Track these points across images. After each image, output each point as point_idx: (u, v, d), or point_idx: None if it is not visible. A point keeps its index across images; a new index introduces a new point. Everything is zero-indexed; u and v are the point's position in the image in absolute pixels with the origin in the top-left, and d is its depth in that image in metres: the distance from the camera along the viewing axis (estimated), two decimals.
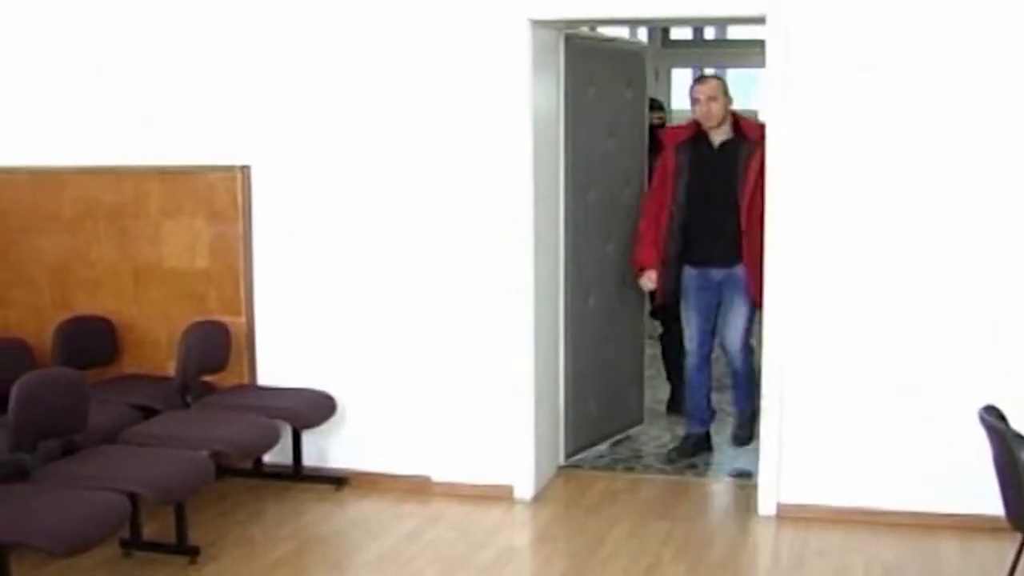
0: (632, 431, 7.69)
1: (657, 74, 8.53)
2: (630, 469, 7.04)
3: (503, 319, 6.43)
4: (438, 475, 6.68)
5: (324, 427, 6.74)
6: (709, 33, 12.49)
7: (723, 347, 7.30)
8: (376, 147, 6.61)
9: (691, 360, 7.35)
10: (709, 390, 7.46)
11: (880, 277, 6.07)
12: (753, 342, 7.21)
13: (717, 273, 7.12)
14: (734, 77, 12.68)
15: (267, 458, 6.80)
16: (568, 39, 6.82)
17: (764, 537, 6.15)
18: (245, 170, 6.81)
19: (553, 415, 6.95)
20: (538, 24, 6.40)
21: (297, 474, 6.80)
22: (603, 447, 7.39)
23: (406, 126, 6.53)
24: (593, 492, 6.65)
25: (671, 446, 7.48)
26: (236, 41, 6.76)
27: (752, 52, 7.51)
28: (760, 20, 6.13)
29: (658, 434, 7.71)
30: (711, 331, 7.31)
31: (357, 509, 6.47)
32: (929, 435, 6.09)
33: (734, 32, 12.09)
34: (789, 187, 6.10)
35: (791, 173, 6.09)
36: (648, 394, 8.00)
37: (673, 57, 12.00)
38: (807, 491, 6.26)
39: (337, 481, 6.78)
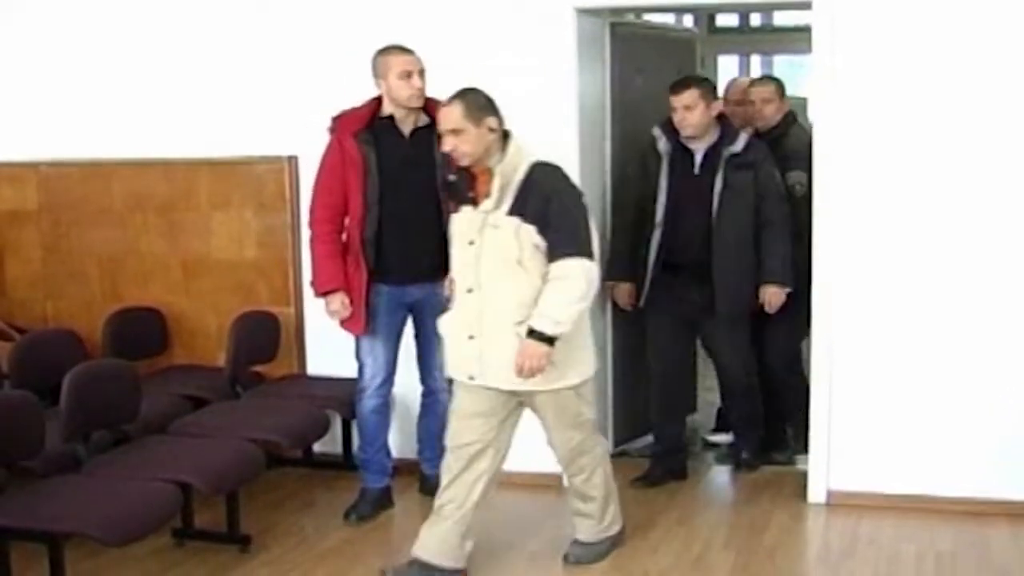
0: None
1: (703, 61, 8.48)
2: None
3: None
4: None
5: None
6: (755, 20, 12.42)
7: (427, 384, 6.28)
8: None
9: (369, 402, 6.12)
10: (386, 437, 6.28)
11: (929, 262, 6.03)
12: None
13: (414, 291, 5.97)
14: (780, 64, 12.68)
15: (317, 447, 6.84)
16: (614, 27, 6.81)
17: (814, 525, 6.12)
18: (292, 161, 6.84)
19: (602, 404, 6.94)
20: (583, 13, 6.40)
21: (347, 463, 6.82)
22: (652, 436, 7.34)
23: None
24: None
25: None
26: (282, 32, 6.78)
27: (798, 38, 7.46)
28: (806, 5, 6.10)
29: (708, 423, 7.65)
30: (395, 364, 6.15)
31: (407, 498, 6.48)
32: (981, 421, 6.06)
33: (780, 18, 12.01)
34: (836, 173, 6.06)
35: (838, 159, 6.05)
36: (700, 383, 7.91)
37: (719, 44, 11.94)
38: (858, 478, 6.24)
39: None
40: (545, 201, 4.95)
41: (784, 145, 6.63)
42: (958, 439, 6.10)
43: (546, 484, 6.51)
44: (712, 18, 11.71)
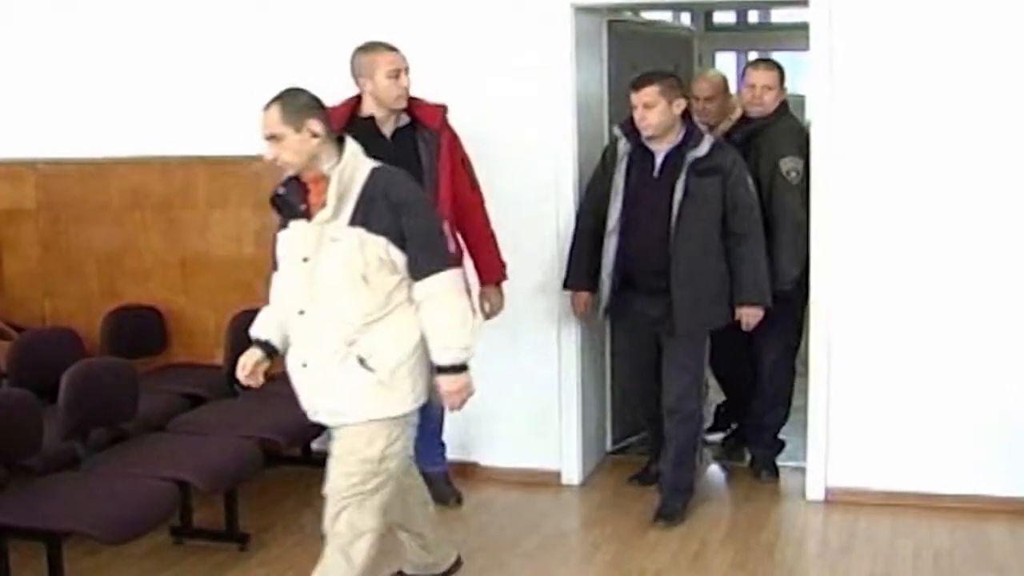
0: None
1: (701, 58, 8.48)
2: None
3: (552, 303, 6.44)
4: (485, 460, 6.70)
5: None
6: (753, 17, 12.42)
7: None
8: None
9: None
10: None
11: (927, 259, 6.03)
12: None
13: None
14: (778, 60, 12.67)
15: (315, 445, 6.82)
16: (611, 24, 6.81)
17: (812, 522, 6.13)
18: None
19: (600, 400, 6.96)
20: (580, 10, 6.40)
21: None
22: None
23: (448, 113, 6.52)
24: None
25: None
26: (280, 29, 6.79)
27: (796, 35, 7.45)
28: (804, 3, 6.11)
29: (706, 420, 7.65)
30: None
31: None
32: (978, 419, 6.06)
33: (778, 15, 12.01)
34: (833, 171, 6.06)
35: (836, 156, 6.05)
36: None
37: (717, 41, 11.92)
38: (856, 475, 6.24)
39: None
40: (394, 211, 4.40)
41: (776, 130, 6.36)
42: (956, 436, 6.10)
43: (543, 482, 6.52)
44: (709, 15, 11.70)
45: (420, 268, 4.45)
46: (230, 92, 6.90)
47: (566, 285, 6.32)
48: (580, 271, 6.22)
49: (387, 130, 5.60)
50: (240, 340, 6.60)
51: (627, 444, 7.22)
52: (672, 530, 5.96)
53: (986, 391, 6.04)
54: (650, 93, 5.83)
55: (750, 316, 6.01)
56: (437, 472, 6.14)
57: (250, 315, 6.72)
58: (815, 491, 6.32)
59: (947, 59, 5.90)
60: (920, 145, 5.98)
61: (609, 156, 6.14)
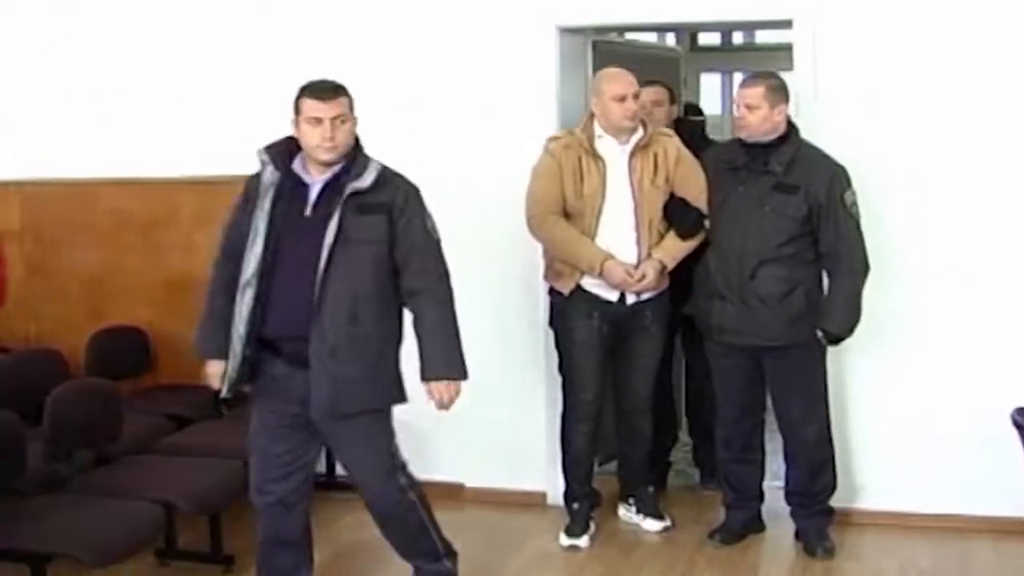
0: None
1: (686, 79, 8.50)
2: None
3: (538, 325, 6.43)
4: (471, 481, 6.69)
5: None
6: (737, 38, 12.48)
7: None
8: (407, 156, 6.61)
9: None
10: None
11: (915, 279, 6.05)
12: None
13: None
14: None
15: None
16: (596, 45, 6.83)
17: (797, 541, 6.11)
18: None
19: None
20: (565, 31, 6.42)
21: (331, 482, 6.81)
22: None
23: (433, 133, 6.52)
24: None
25: None
26: (269, 51, 6.79)
27: (780, 56, 7.48)
28: (787, 24, 6.13)
29: (689, 441, 7.65)
30: None
31: None
32: (962, 438, 6.07)
33: (762, 36, 12.07)
34: None
35: None
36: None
37: (702, 62, 11.99)
38: (840, 495, 6.22)
39: None
40: None
41: (814, 155, 5.70)
42: (939, 456, 6.11)
43: (529, 503, 6.52)
44: (694, 36, 11.76)
45: None
46: (215, 113, 6.91)
47: (201, 352, 4.99)
48: (212, 336, 4.92)
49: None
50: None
51: (613, 464, 7.19)
52: (657, 551, 5.96)
53: (970, 410, 6.05)
54: (342, 104, 4.74)
55: (441, 392, 4.95)
56: None
57: None
58: None
59: (930, 78, 5.94)
60: (905, 164, 6.01)
61: (252, 188, 4.86)
